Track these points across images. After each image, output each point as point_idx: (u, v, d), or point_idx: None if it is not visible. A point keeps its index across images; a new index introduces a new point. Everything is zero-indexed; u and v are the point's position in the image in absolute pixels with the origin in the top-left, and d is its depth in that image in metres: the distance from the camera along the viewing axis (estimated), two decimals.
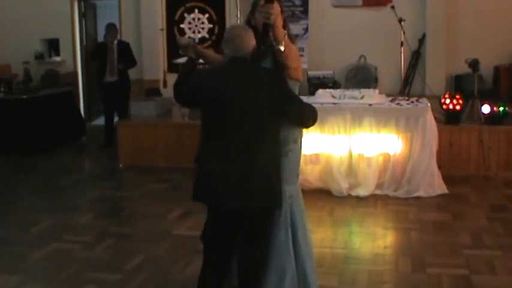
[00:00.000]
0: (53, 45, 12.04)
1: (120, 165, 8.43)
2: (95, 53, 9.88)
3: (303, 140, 4.01)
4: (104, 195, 7.19)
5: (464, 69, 8.30)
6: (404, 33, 8.66)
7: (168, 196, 7.04)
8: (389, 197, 6.73)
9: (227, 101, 3.49)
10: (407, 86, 9.84)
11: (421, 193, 6.73)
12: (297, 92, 3.85)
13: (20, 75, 11.10)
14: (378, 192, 6.81)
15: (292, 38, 3.86)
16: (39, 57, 11.92)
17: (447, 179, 6.99)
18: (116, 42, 9.64)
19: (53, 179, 8.00)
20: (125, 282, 4.66)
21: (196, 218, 6.15)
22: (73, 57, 11.94)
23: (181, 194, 7.02)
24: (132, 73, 10.23)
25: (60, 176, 8.09)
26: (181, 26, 10.58)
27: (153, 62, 10.65)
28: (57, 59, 11.95)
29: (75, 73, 11.93)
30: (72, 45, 11.89)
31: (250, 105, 3.49)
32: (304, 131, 4.00)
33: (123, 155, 8.49)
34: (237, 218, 3.64)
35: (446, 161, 7.42)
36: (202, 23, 10.51)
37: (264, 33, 3.50)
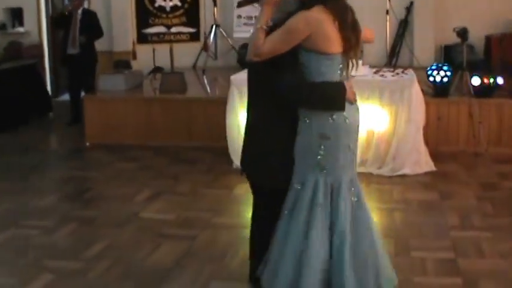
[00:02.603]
0: (16, 15, 11.74)
1: (87, 144, 8.24)
2: (58, 23, 9.65)
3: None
4: (68, 176, 7.03)
5: (454, 39, 8.16)
6: (390, 0, 8.50)
7: (136, 176, 6.89)
8: (373, 175, 6.60)
9: None
10: (394, 57, 9.71)
11: (406, 171, 6.62)
12: None
13: None
14: (361, 169, 6.61)
15: None
16: (1, 27, 11.62)
17: (435, 156, 6.90)
18: (80, 11, 9.38)
19: (15, 159, 7.82)
20: (85, 270, 4.52)
21: (165, 199, 6.07)
22: (38, 28, 11.66)
23: (150, 174, 6.89)
24: (102, 45, 10.02)
25: (22, 156, 7.91)
26: None
27: (124, 33, 10.43)
28: (21, 29, 11.66)
29: (41, 45, 11.65)
30: (37, 15, 11.62)
31: None
32: None
33: (90, 133, 8.29)
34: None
35: (434, 137, 7.31)
36: None
37: None
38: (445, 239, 4.97)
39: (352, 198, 3.63)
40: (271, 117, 3.64)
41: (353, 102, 3.60)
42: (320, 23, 3.44)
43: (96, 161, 7.77)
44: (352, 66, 3.61)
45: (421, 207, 5.73)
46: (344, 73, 3.59)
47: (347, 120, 3.54)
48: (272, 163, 3.68)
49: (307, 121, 3.57)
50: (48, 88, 11.44)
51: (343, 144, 3.58)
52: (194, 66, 10.51)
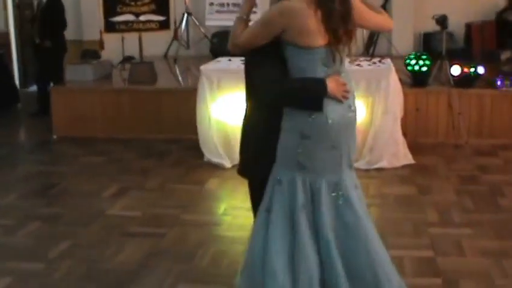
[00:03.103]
0: None
1: (54, 137, 8.02)
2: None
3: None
4: (32, 171, 6.81)
5: (433, 26, 8.03)
6: None
7: (103, 171, 6.70)
8: None
9: None
10: (371, 46, 9.55)
11: (384, 164, 6.49)
12: None
13: None
14: None
15: None
16: None
17: (413, 148, 6.77)
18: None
19: None
20: (46, 272, 4.36)
21: (132, 195, 5.91)
22: (4, 16, 11.34)
23: (118, 168, 6.72)
24: (70, 34, 9.77)
25: None
26: None
27: (93, 21, 10.14)
28: None
29: (7, 33, 11.35)
30: (3, 2, 11.32)
31: None
32: None
33: (57, 125, 8.07)
34: None
35: (412, 128, 7.20)
36: None
37: None
38: (423, 236, 4.87)
39: (339, 202, 3.33)
40: (267, 112, 3.37)
41: (341, 100, 3.24)
42: (296, 13, 3.14)
43: (62, 154, 7.56)
44: (341, 60, 3.28)
45: (398, 203, 5.61)
46: (331, 69, 3.24)
47: (330, 120, 3.21)
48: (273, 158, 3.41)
49: (289, 118, 3.30)
50: (16, 78, 11.17)
51: (325, 144, 3.27)
52: (166, 56, 10.29)
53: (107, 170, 6.73)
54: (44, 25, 9.11)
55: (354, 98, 3.37)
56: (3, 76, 10.20)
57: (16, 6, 11.41)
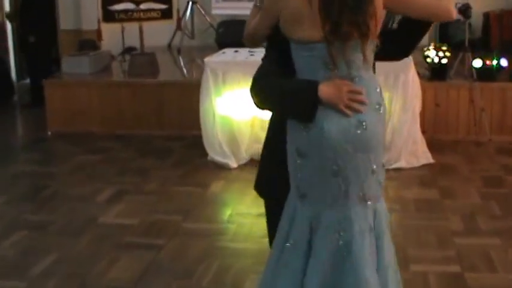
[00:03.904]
0: None
1: (49, 133, 7.55)
2: None
3: None
4: (23, 171, 6.33)
5: None
6: None
7: (99, 171, 6.22)
8: None
9: None
10: None
11: (402, 163, 6.01)
12: None
13: None
14: None
15: None
16: None
17: (432, 145, 6.30)
18: None
19: None
20: None
21: (128, 200, 5.43)
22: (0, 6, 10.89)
23: (115, 169, 6.25)
24: (68, 23, 9.31)
25: None
26: None
27: (93, 9, 9.67)
28: None
29: (3, 23, 10.88)
30: None
31: None
32: None
33: (52, 121, 7.59)
34: None
35: (432, 124, 6.73)
36: None
37: None
38: (448, 247, 4.39)
39: (339, 243, 2.55)
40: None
41: (344, 111, 2.47)
42: None
43: (56, 153, 7.11)
44: (349, 62, 2.49)
45: (419, 208, 5.14)
46: (336, 72, 2.48)
47: (325, 133, 2.48)
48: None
49: (288, 130, 2.63)
50: (13, 70, 10.71)
51: (323, 165, 2.52)
52: (169, 46, 9.79)
53: (103, 170, 6.25)
54: (26, 20, 8.71)
55: (374, 114, 2.53)
56: None
57: None
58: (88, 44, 8.85)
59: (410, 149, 6.08)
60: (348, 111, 2.46)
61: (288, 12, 2.50)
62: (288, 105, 2.58)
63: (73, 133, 7.42)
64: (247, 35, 2.82)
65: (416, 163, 6.07)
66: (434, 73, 6.89)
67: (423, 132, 6.28)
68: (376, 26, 2.49)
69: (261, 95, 2.65)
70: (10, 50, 10.95)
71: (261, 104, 2.68)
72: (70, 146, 7.12)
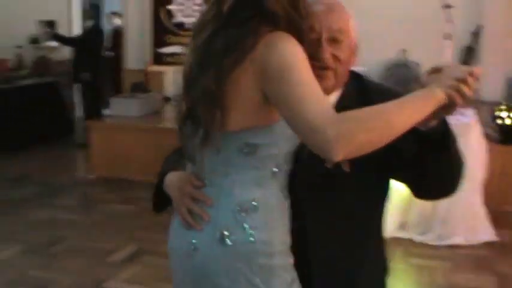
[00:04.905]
0: (50, 29, 10.82)
1: (91, 176, 7.09)
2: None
3: None
4: (45, 218, 5.83)
5: None
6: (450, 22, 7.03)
7: (125, 224, 5.68)
8: (414, 243, 5.18)
9: None
10: None
11: (458, 240, 5.18)
12: None
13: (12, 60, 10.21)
14: (401, 234, 5.28)
15: None
16: (34, 41, 10.74)
17: (496, 220, 5.42)
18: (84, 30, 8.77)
19: (6, 188, 6.80)
20: None
21: (145, 261, 4.81)
22: None
23: (142, 222, 5.65)
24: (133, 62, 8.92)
25: (10, 188, 6.81)
26: (169, 7, 8.65)
27: (137, 50, 9.26)
28: (53, 44, 10.67)
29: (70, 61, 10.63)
30: (69, 29, 10.62)
31: None
32: None
33: (96, 164, 7.22)
34: None
35: (496, 195, 5.80)
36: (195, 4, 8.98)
37: None
38: None
39: None
40: None
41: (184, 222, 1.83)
42: None
43: (89, 199, 6.63)
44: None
45: None
46: (196, 164, 1.85)
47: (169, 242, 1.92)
48: None
49: None
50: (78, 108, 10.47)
51: None
52: None
53: (130, 223, 5.70)
54: (81, 57, 8.42)
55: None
56: (56, 106, 9.51)
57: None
58: (138, 86, 8.38)
59: (469, 223, 5.24)
60: (186, 224, 1.80)
61: None
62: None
63: (116, 178, 6.98)
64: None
65: (475, 240, 5.21)
66: (505, 136, 6.03)
67: (486, 204, 5.42)
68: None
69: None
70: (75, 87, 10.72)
71: None
72: (107, 193, 6.65)
